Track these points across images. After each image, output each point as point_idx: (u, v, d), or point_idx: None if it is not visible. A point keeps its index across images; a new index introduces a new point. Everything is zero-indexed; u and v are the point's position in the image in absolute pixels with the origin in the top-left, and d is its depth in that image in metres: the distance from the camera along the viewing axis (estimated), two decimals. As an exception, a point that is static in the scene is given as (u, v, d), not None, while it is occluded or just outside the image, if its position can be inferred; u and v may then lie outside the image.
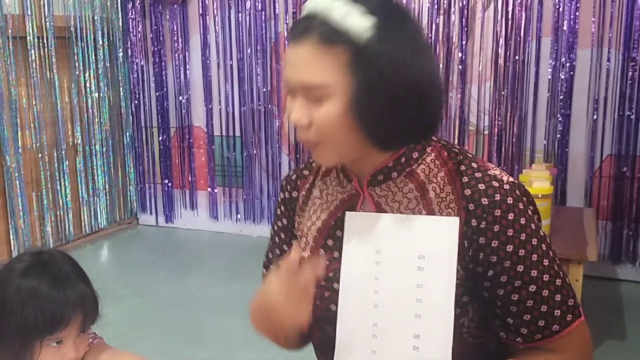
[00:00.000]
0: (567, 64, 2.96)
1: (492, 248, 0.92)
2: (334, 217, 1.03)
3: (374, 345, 0.97)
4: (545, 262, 0.93)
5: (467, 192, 0.93)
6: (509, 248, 0.92)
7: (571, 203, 3.04)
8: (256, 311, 1.07)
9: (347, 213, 0.99)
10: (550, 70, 3.00)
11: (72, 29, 3.46)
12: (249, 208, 3.75)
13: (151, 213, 4.00)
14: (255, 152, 3.66)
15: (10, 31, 3.11)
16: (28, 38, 3.21)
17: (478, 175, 0.94)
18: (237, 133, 3.69)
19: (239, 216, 3.79)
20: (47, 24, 3.30)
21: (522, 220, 0.92)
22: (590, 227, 2.34)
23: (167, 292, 2.92)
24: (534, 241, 0.93)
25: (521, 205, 0.93)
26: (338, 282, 0.99)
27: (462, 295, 0.94)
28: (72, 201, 3.55)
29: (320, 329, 1.05)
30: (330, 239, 1.03)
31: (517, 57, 3.05)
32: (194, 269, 3.23)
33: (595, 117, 2.97)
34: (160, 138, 3.88)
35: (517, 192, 0.94)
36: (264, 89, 3.55)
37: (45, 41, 3.30)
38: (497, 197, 0.92)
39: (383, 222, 0.97)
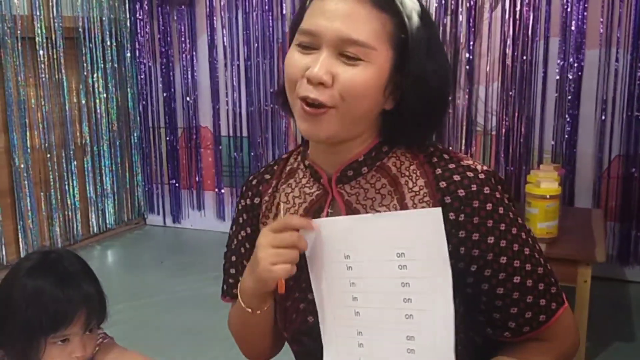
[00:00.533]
0: (575, 64, 2.95)
1: (473, 241, 0.88)
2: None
3: (362, 354, 0.92)
4: (527, 250, 0.91)
5: (442, 184, 0.90)
6: (490, 240, 0.89)
7: (579, 204, 3.02)
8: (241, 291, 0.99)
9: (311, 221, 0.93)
10: (558, 70, 2.99)
11: (80, 29, 3.47)
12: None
13: (158, 213, 4.01)
14: (262, 152, 3.66)
15: (19, 32, 3.12)
16: (37, 39, 3.23)
17: (451, 166, 0.91)
18: (244, 133, 3.70)
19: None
20: (56, 24, 3.32)
21: (500, 210, 0.89)
22: (599, 228, 2.33)
23: (174, 292, 2.93)
24: (514, 230, 0.90)
25: (498, 195, 0.90)
26: (312, 293, 0.95)
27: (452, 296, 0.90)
28: (80, 201, 3.56)
29: (299, 341, 1.01)
30: None
31: (524, 58, 3.04)
32: (201, 268, 3.24)
33: (603, 117, 2.96)
34: (168, 138, 3.89)
35: (493, 180, 0.91)
36: (271, 89, 3.56)
37: (53, 42, 3.32)
38: (474, 187, 0.89)
39: (346, 225, 0.91)
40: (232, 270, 1.08)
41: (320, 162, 0.97)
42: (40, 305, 1.06)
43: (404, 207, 0.92)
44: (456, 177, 0.90)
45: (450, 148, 1.00)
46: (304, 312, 0.97)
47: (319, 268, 0.93)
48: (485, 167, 0.92)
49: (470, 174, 0.90)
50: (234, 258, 1.08)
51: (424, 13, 0.90)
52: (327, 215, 0.96)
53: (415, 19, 0.88)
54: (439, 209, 0.86)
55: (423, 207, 0.91)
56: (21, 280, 1.09)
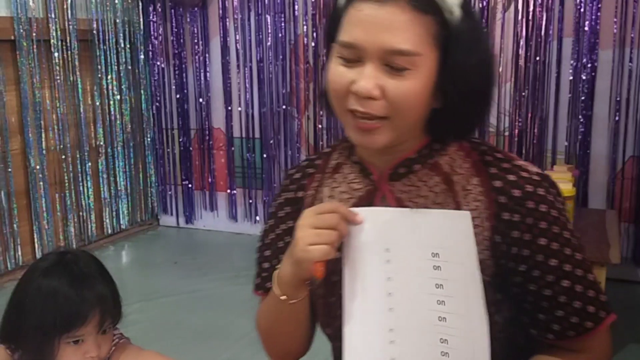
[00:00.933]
0: (589, 65, 2.94)
1: (524, 241, 0.88)
2: None
3: (393, 353, 0.88)
4: (578, 256, 0.89)
5: (497, 183, 0.89)
6: (542, 241, 0.88)
7: (593, 205, 3.01)
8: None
9: (352, 209, 0.91)
10: (571, 71, 2.98)
11: (94, 32, 3.50)
12: (268, 209, 3.77)
13: (171, 214, 4.04)
14: (274, 153, 3.68)
15: (34, 34, 3.16)
16: (52, 41, 3.26)
17: (506, 165, 0.90)
18: (257, 135, 3.71)
19: (258, 217, 3.81)
20: (71, 27, 3.35)
21: (554, 213, 0.89)
22: (613, 229, 2.31)
23: (187, 292, 2.95)
24: (566, 234, 0.89)
25: (551, 197, 0.90)
26: None
27: (496, 292, 0.90)
28: (95, 202, 3.60)
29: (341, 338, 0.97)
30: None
31: (537, 58, 3.03)
32: (213, 269, 3.26)
33: (617, 118, 2.94)
34: (181, 140, 3.92)
35: (546, 183, 0.90)
36: (284, 91, 3.57)
37: (68, 44, 3.35)
38: (529, 188, 0.88)
39: (390, 217, 0.89)
40: (266, 265, 1.05)
41: (370, 159, 0.96)
42: (54, 306, 1.07)
43: (457, 205, 0.90)
44: (511, 177, 0.89)
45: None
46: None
47: (356, 258, 0.90)
48: (537, 169, 0.92)
49: (524, 174, 0.89)
50: (268, 252, 1.05)
51: (464, 3, 0.87)
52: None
53: (457, 13, 0.85)
54: (468, 213, 0.85)
55: (477, 205, 0.89)
56: (36, 281, 1.10)
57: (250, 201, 3.81)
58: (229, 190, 3.86)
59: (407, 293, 0.88)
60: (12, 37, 3.06)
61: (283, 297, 0.93)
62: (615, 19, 2.87)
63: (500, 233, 0.87)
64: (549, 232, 0.88)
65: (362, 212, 0.90)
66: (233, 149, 3.80)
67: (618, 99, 2.92)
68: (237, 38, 3.63)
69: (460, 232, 0.85)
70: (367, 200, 0.95)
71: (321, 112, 3.50)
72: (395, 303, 0.88)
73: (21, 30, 3.09)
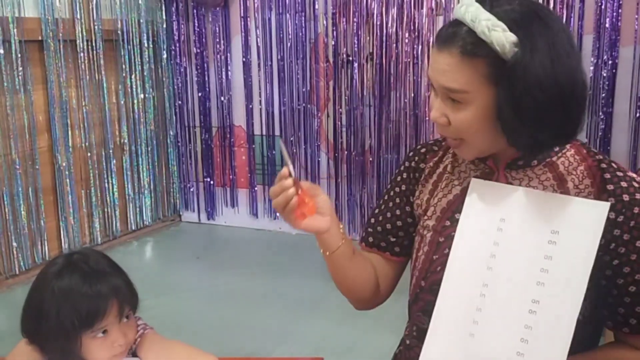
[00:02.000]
0: (610, 62, 2.93)
1: (623, 240, 0.98)
2: (465, 192, 1.07)
3: (473, 330, 0.96)
4: None
5: (610, 187, 1.00)
6: (639, 243, 0.98)
7: (613, 202, 2.99)
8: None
9: (472, 179, 1.04)
10: (592, 68, 2.97)
11: (119, 32, 3.57)
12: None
13: (193, 210, 4.10)
14: (294, 150, 3.72)
15: (61, 35, 3.23)
16: (77, 41, 3.33)
17: (620, 174, 1.01)
18: (277, 132, 3.75)
19: (278, 214, 3.84)
20: (96, 27, 3.42)
21: None
22: None
23: (209, 287, 3.00)
24: None
25: None
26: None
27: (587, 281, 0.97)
28: (119, 199, 3.67)
29: (435, 292, 1.07)
30: (458, 212, 1.07)
31: (557, 55, 3.02)
32: (235, 264, 3.31)
33: (637, 115, 2.92)
34: (203, 137, 3.97)
35: None
36: (304, 89, 3.61)
37: (93, 44, 3.42)
38: (638, 196, 0.99)
39: (514, 193, 1.00)
40: (372, 220, 1.23)
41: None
42: (71, 305, 1.08)
43: None
44: (623, 184, 1.00)
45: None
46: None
47: (471, 220, 1.01)
48: None
49: (636, 184, 1.00)
50: (377, 210, 1.22)
51: (528, 37, 0.91)
52: None
53: (510, 52, 0.91)
54: (607, 204, 0.94)
55: None
56: (50, 285, 1.11)
57: (270, 198, 3.85)
58: (249, 187, 3.91)
59: (508, 270, 0.96)
60: (40, 38, 3.14)
61: (321, 250, 1.12)
62: (636, 16, 2.85)
63: (604, 229, 0.96)
64: None
65: (486, 184, 1.02)
66: (254, 146, 3.84)
67: (639, 95, 2.91)
68: (258, 37, 3.68)
69: (591, 219, 0.93)
70: (482, 179, 1.07)
71: (340, 110, 3.53)
72: (495, 264, 0.97)
73: (48, 31, 3.17)
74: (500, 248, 0.98)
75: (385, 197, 1.22)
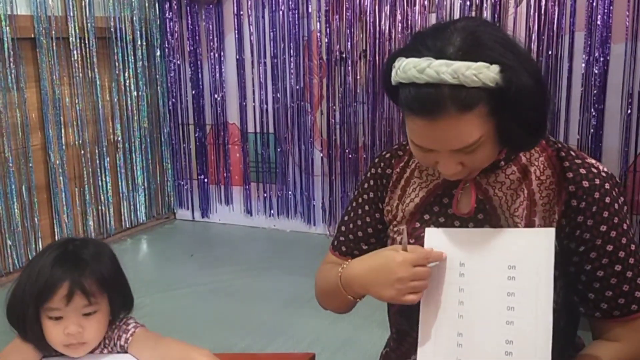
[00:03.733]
0: (601, 59, 2.94)
1: (587, 226, 1.00)
2: (433, 194, 1.10)
3: (460, 354, 0.99)
4: (632, 246, 1.01)
5: (569, 174, 1.01)
6: (603, 228, 0.99)
7: (605, 198, 3.01)
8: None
9: (427, 230, 1.04)
10: (583, 65, 2.99)
11: (112, 29, 3.57)
12: (282, 203, 3.82)
13: (188, 208, 4.10)
14: (288, 148, 3.72)
15: (53, 32, 3.23)
16: (70, 39, 3.33)
17: (578, 161, 1.03)
18: (271, 130, 3.76)
19: (272, 211, 3.86)
20: (89, 25, 3.42)
21: (616, 206, 1.00)
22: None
23: (203, 284, 3.01)
24: (625, 226, 1.01)
25: (615, 192, 1.01)
26: None
27: (555, 269, 0.98)
28: (113, 196, 3.67)
29: (398, 319, 1.12)
30: (427, 213, 1.10)
31: (550, 52, 3.04)
32: (229, 261, 3.32)
33: (629, 111, 2.94)
34: (197, 135, 3.97)
35: (612, 180, 1.02)
36: (297, 87, 3.61)
37: (86, 42, 3.42)
38: (597, 181, 1.00)
39: (468, 236, 1.02)
40: (343, 228, 1.23)
41: None
42: (34, 279, 1.12)
43: (530, 193, 1.03)
44: (582, 170, 1.01)
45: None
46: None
47: (433, 273, 1.01)
48: (606, 169, 1.03)
49: (594, 170, 1.02)
50: (346, 217, 1.23)
51: (505, 59, 0.91)
52: (458, 196, 1.07)
53: (499, 79, 0.90)
54: (553, 230, 0.97)
55: (548, 193, 1.02)
56: (33, 260, 1.18)
57: (265, 195, 3.87)
58: (244, 185, 3.92)
59: (477, 302, 0.99)
60: (32, 36, 3.14)
61: (349, 297, 1.09)
62: (627, 13, 2.87)
63: (567, 217, 1.01)
64: (610, 221, 0.99)
65: (440, 232, 1.03)
66: (248, 144, 3.85)
67: (630, 92, 2.92)
68: (252, 34, 3.68)
69: (541, 247, 0.96)
70: (449, 182, 1.08)
71: (334, 107, 3.54)
72: (465, 310, 1.00)
73: (41, 29, 3.16)
74: (465, 294, 1.00)
75: (354, 204, 1.21)
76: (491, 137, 0.96)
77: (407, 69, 0.91)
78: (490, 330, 0.97)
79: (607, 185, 1.00)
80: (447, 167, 0.98)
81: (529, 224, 1.03)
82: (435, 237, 1.03)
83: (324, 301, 1.24)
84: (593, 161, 1.04)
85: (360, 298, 1.10)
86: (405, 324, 1.04)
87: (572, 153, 1.04)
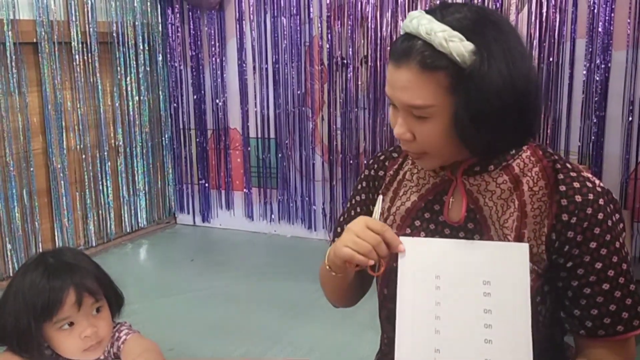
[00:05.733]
0: (602, 66, 2.94)
1: (577, 242, 0.97)
2: (424, 199, 1.08)
3: None
4: (624, 266, 0.98)
5: (562, 188, 0.98)
6: (592, 244, 0.96)
7: (606, 205, 3.00)
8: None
9: (402, 238, 1.02)
10: (584, 72, 2.99)
11: (114, 34, 3.58)
12: (283, 208, 3.82)
13: (188, 212, 4.11)
14: (289, 153, 3.72)
15: (56, 37, 3.24)
16: (72, 43, 3.34)
17: (573, 174, 1.00)
18: (272, 135, 3.76)
19: (273, 216, 3.86)
20: (91, 29, 3.43)
21: (609, 222, 0.97)
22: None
23: (204, 289, 3.00)
24: (617, 244, 0.97)
25: (609, 209, 0.98)
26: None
27: (543, 284, 0.98)
28: (114, 201, 3.67)
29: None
30: (418, 220, 1.08)
31: (551, 59, 3.04)
32: (229, 267, 3.31)
33: (630, 119, 2.94)
34: (198, 140, 3.98)
35: (607, 196, 0.99)
36: (299, 92, 3.62)
37: (89, 46, 3.42)
38: (591, 196, 0.97)
39: (443, 247, 0.99)
40: (338, 229, 1.22)
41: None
42: (27, 300, 1.10)
43: (522, 204, 1.00)
44: (576, 184, 0.98)
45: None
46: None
47: (408, 284, 0.99)
48: (602, 184, 1.01)
49: (589, 184, 0.98)
50: (341, 219, 1.23)
51: (484, 44, 0.91)
52: (449, 202, 1.05)
53: (469, 60, 0.90)
54: (526, 245, 0.94)
55: (540, 205, 0.99)
56: (13, 284, 1.14)
57: (266, 200, 3.87)
58: (245, 190, 3.92)
59: (454, 317, 0.96)
60: (35, 40, 3.14)
61: (328, 269, 1.09)
62: (628, 20, 2.87)
63: (557, 232, 0.97)
64: (601, 238, 0.96)
65: (418, 241, 1.01)
66: (249, 149, 3.85)
67: (632, 99, 2.92)
68: (253, 40, 3.68)
69: (515, 262, 0.93)
70: (440, 188, 1.07)
71: (335, 113, 3.54)
72: (442, 325, 0.97)
73: (43, 33, 3.17)
74: (442, 308, 0.97)
75: (349, 205, 1.22)
76: (444, 116, 0.94)
77: (406, 19, 0.97)
78: (468, 347, 0.95)
79: (601, 201, 0.97)
80: (398, 126, 0.98)
81: (519, 235, 1.00)
82: (410, 247, 1.00)
83: (327, 293, 1.23)
84: (589, 175, 1.01)
85: (341, 271, 1.07)
86: (392, 331, 1.03)
87: (568, 165, 1.01)
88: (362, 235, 0.99)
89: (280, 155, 3.76)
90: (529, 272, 0.92)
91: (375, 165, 1.18)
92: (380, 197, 1.10)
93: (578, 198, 0.97)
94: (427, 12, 0.95)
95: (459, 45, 0.90)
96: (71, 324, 1.12)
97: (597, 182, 1.00)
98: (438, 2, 3.11)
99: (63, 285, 1.11)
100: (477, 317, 0.94)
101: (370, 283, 1.24)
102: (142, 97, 3.80)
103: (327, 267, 1.09)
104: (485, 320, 0.94)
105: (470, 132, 0.94)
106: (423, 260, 0.99)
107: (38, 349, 1.12)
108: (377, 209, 1.06)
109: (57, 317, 1.11)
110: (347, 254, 0.99)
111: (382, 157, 1.19)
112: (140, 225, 3.88)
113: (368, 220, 1.01)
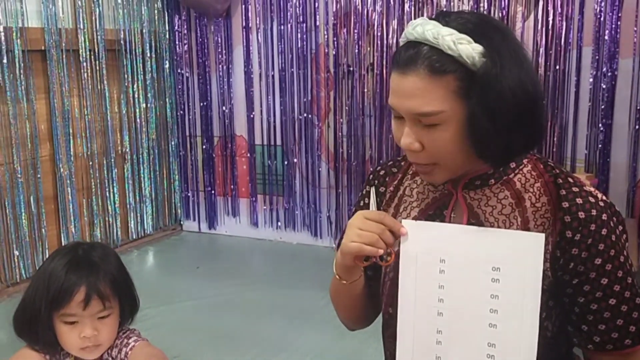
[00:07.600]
0: (609, 74, 2.94)
1: (582, 259, 0.96)
2: (424, 214, 1.07)
3: (438, 352, 0.97)
4: (629, 280, 0.97)
5: (565, 204, 0.97)
6: (597, 261, 0.96)
7: (613, 214, 2.99)
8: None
9: (404, 221, 1.00)
10: (591, 80, 2.98)
11: (121, 42, 3.60)
12: (289, 216, 3.82)
13: (194, 219, 4.11)
14: (295, 160, 3.73)
15: (64, 44, 3.26)
16: (80, 51, 3.36)
17: (575, 189, 0.98)
18: (278, 142, 3.77)
19: (279, 223, 3.86)
20: (99, 37, 3.45)
21: (613, 237, 0.96)
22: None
23: (209, 296, 3.00)
24: (622, 258, 0.97)
25: (612, 223, 0.97)
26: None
27: (548, 300, 0.97)
28: (120, 207, 3.68)
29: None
30: None
31: (557, 67, 3.04)
32: (235, 274, 3.31)
33: (637, 126, 2.93)
34: (204, 147, 3.99)
35: (610, 210, 0.98)
36: (305, 99, 3.62)
37: (96, 54, 3.44)
38: (594, 212, 0.96)
39: (450, 231, 0.98)
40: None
41: None
42: (47, 284, 1.13)
43: (525, 220, 0.99)
44: (579, 200, 0.97)
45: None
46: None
47: (410, 265, 0.99)
48: (604, 197, 1.00)
49: (592, 200, 0.97)
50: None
51: (491, 47, 0.91)
52: (450, 216, 1.04)
53: (479, 62, 0.90)
54: (543, 235, 0.92)
55: (543, 222, 0.98)
56: (43, 266, 1.19)
57: (271, 207, 3.87)
58: (250, 197, 3.92)
59: (458, 301, 0.96)
60: (43, 48, 3.17)
61: (337, 278, 1.08)
62: (635, 28, 2.87)
63: (561, 249, 0.96)
64: (606, 254, 0.96)
65: (420, 225, 1.00)
66: (255, 156, 3.86)
67: (638, 107, 2.91)
68: (260, 47, 3.70)
69: (530, 251, 0.92)
70: (441, 202, 1.06)
71: (341, 120, 3.55)
72: (445, 308, 0.97)
73: (51, 41, 3.19)
74: (446, 291, 0.97)
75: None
76: (455, 121, 0.92)
77: (408, 27, 0.95)
78: (471, 331, 0.94)
79: (604, 216, 0.96)
80: (405, 136, 0.96)
81: None
82: (413, 230, 0.99)
83: (340, 311, 1.21)
84: (592, 189, 0.99)
85: (351, 276, 1.07)
86: (396, 350, 1.02)
87: (570, 180, 1.00)
88: (365, 227, 0.98)
89: (286, 162, 3.76)
90: (542, 261, 0.91)
91: (376, 182, 1.17)
92: (373, 189, 1.10)
93: (581, 215, 0.96)
94: (429, 19, 0.95)
95: (468, 48, 0.90)
96: (75, 322, 1.14)
97: (599, 195, 0.99)
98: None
99: (77, 281, 1.13)
100: (483, 302, 0.93)
101: (381, 302, 1.22)
102: (149, 104, 3.81)
103: (337, 276, 1.08)
104: (491, 305, 0.93)
105: (488, 135, 0.92)
106: (427, 243, 0.98)
107: (46, 335, 1.14)
108: (372, 202, 1.06)
109: (64, 310, 1.13)
110: (354, 248, 0.98)
111: (382, 173, 1.17)
112: (146, 232, 3.89)
113: (365, 212, 1.01)
